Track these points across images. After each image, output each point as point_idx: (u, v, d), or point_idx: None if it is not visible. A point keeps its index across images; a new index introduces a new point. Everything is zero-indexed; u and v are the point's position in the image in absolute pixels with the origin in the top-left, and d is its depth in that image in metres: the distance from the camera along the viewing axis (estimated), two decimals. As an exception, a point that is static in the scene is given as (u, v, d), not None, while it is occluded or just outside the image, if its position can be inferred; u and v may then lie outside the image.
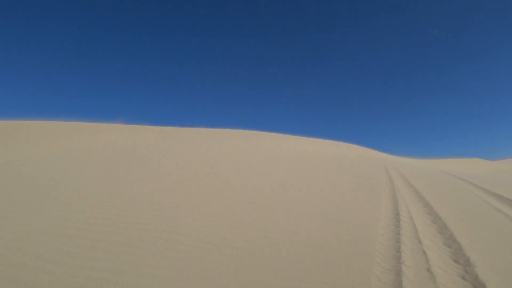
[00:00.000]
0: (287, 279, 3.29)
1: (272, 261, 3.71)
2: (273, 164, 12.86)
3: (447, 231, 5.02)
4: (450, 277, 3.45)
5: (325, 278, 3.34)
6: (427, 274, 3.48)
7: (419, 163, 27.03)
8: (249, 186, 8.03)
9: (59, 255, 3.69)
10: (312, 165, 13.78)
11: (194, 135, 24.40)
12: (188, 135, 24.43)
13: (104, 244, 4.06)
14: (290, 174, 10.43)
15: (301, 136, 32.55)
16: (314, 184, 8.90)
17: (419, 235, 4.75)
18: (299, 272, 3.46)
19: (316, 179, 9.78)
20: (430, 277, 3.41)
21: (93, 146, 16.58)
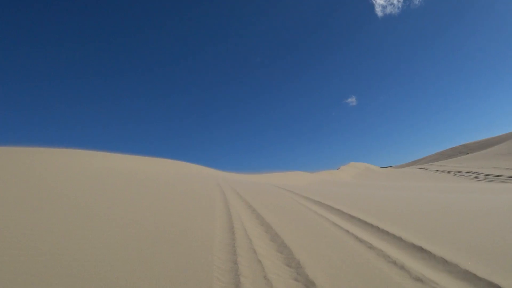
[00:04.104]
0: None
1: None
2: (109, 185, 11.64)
3: (278, 238, 5.43)
4: (284, 281, 3.69)
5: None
6: (264, 281, 3.63)
7: (248, 178, 29.27)
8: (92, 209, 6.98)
9: None
10: (142, 183, 13.13)
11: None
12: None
13: None
14: (125, 195, 9.62)
15: (115, 152, 30.26)
16: (151, 204, 8.42)
17: (253, 246, 4.96)
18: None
19: (149, 199, 9.30)
20: (267, 284, 3.56)
21: None
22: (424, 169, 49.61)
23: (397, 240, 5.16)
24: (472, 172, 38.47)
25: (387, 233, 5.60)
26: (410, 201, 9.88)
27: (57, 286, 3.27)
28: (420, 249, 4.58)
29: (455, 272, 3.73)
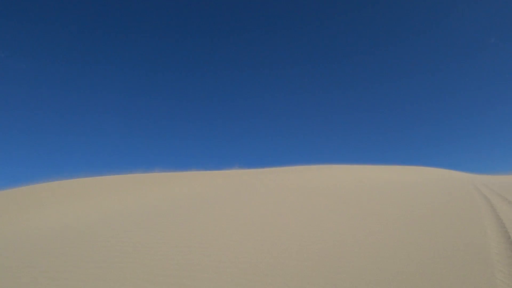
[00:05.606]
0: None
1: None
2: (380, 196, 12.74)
3: None
4: None
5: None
6: None
7: (507, 179, 24.80)
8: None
9: None
10: (399, 192, 13.43)
11: (265, 175, 23.85)
12: (262, 176, 23.60)
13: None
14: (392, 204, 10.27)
15: (356, 164, 31.09)
16: (404, 214, 8.66)
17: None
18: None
19: (404, 207, 9.52)
20: None
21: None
22: None
23: None
24: None
25: None
26: None
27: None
28: None
29: None
